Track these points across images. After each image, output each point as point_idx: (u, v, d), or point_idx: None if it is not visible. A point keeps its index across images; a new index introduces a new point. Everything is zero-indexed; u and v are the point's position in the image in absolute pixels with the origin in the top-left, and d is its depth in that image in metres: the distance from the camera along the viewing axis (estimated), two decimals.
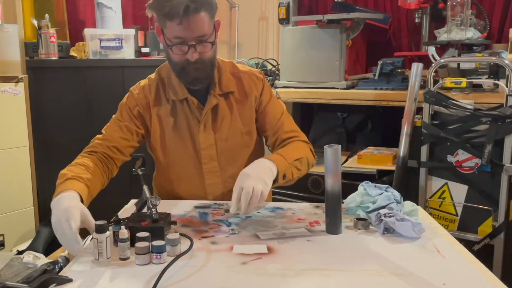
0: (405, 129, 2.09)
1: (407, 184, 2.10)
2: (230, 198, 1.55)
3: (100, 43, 2.82)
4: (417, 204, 1.43)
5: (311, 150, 1.56)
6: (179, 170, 1.58)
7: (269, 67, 3.02)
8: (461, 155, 1.98)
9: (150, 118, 1.56)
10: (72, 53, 2.87)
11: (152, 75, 1.60)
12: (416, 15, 2.67)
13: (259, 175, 1.29)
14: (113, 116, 1.58)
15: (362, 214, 1.39)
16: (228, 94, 1.54)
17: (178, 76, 1.48)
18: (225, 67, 1.56)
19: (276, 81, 2.79)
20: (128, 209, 1.48)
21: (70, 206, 1.14)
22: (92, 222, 1.15)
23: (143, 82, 1.60)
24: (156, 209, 1.23)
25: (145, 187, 1.30)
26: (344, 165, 2.32)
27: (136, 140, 1.55)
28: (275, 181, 1.37)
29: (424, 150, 2.07)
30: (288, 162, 1.41)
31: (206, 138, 1.54)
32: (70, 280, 1.02)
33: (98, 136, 1.54)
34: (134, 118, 1.55)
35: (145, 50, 3.02)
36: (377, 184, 1.46)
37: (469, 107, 1.95)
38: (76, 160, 1.43)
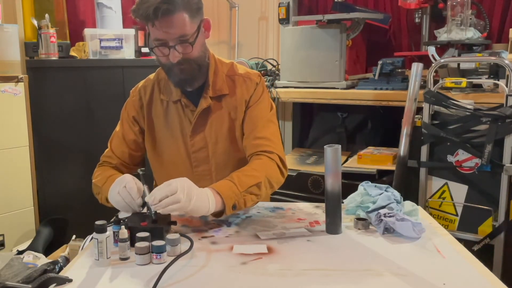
0: (405, 129, 2.09)
1: (407, 184, 2.10)
2: None
3: (100, 43, 2.82)
4: (417, 204, 1.43)
5: (279, 166, 1.47)
6: (171, 172, 1.55)
7: (269, 67, 3.02)
8: (461, 155, 1.98)
9: (144, 119, 1.56)
10: (72, 53, 2.87)
11: (152, 75, 1.60)
12: (416, 15, 2.67)
13: (191, 192, 1.23)
14: (117, 126, 1.62)
15: (362, 214, 1.39)
16: (221, 97, 1.52)
17: (168, 77, 1.49)
18: (222, 69, 1.54)
19: (276, 81, 2.79)
20: None
21: (123, 177, 1.31)
22: (140, 186, 1.29)
23: (141, 83, 1.60)
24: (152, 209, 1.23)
25: (145, 187, 1.30)
26: (344, 165, 2.32)
27: (143, 148, 1.60)
28: (222, 212, 1.31)
29: (424, 150, 2.07)
30: (241, 190, 1.33)
31: (197, 141, 1.52)
32: (70, 280, 1.02)
33: (106, 153, 1.60)
34: (132, 126, 1.58)
35: (145, 50, 3.02)
36: (377, 184, 1.46)
37: (469, 107, 1.95)
38: (98, 171, 1.55)
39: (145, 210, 1.27)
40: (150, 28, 1.35)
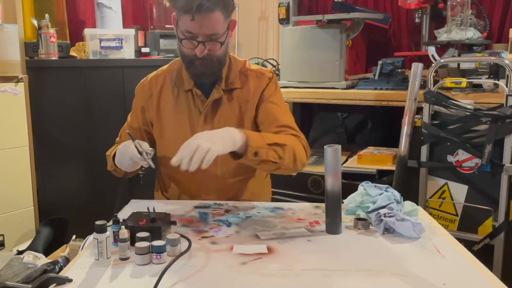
0: (405, 129, 2.09)
1: (407, 184, 2.10)
2: (225, 194, 1.59)
3: (100, 43, 2.82)
4: (417, 204, 1.43)
5: (305, 148, 1.49)
6: None
7: (269, 67, 3.02)
8: (461, 155, 1.98)
9: (152, 109, 1.59)
10: (72, 53, 2.86)
11: (165, 66, 1.64)
12: (416, 15, 2.67)
13: (211, 137, 1.26)
14: (128, 116, 1.67)
15: (362, 214, 1.39)
16: (232, 90, 1.56)
17: (186, 68, 1.51)
18: (236, 65, 1.58)
19: None
20: (128, 209, 1.49)
21: (127, 143, 1.42)
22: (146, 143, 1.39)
23: (153, 73, 1.64)
24: (150, 158, 1.34)
25: (136, 142, 1.36)
26: (344, 165, 2.32)
27: (149, 138, 1.63)
28: (242, 155, 1.32)
29: (424, 150, 2.07)
30: (266, 142, 1.35)
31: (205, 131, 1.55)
32: (70, 280, 1.02)
33: (118, 140, 1.66)
34: (139, 115, 1.62)
35: (145, 50, 3.02)
36: (377, 184, 1.46)
37: (469, 107, 1.95)
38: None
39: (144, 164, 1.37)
40: (183, 20, 1.38)
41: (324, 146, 1.26)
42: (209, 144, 1.22)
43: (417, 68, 2.10)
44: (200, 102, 1.55)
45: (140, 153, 1.35)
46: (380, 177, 2.25)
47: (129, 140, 1.40)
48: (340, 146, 1.26)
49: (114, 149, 1.57)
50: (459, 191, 2.01)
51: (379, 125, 2.81)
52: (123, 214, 1.41)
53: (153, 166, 1.36)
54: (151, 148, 1.39)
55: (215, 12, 1.35)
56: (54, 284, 0.99)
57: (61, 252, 2.49)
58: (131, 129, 1.63)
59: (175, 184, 1.63)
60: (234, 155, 1.33)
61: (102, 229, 1.09)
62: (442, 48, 2.42)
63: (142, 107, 1.61)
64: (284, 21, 2.73)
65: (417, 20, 2.67)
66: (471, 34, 2.31)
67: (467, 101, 1.98)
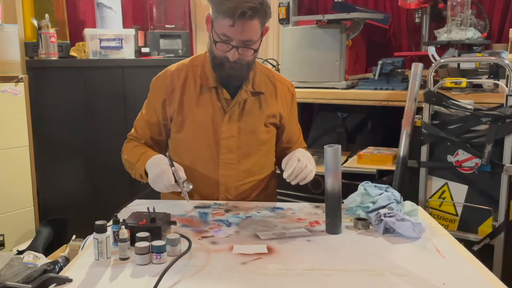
0: (405, 129, 2.09)
1: (407, 184, 2.10)
2: (241, 192, 1.61)
3: (100, 43, 2.82)
4: (417, 204, 1.43)
5: None
6: (195, 157, 1.59)
7: (269, 67, 3.01)
8: (461, 155, 1.98)
9: (174, 103, 1.58)
10: (72, 53, 2.86)
11: (186, 61, 1.63)
12: (416, 15, 2.66)
13: (310, 159, 1.53)
14: (143, 108, 1.65)
15: (362, 214, 1.39)
16: (258, 94, 1.59)
17: (213, 68, 1.52)
18: (260, 69, 1.62)
19: None
20: (129, 209, 1.49)
21: (164, 168, 1.41)
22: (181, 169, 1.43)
23: (173, 67, 1.62)
24: (187, 193, 1.36)
25: (173, 169, 1.39)
26: (344, 165, 2.32)
27: (167, 130, 1.64)
28: None
29: (424, 150, 2.06)
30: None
31: (229, 129, 1.56)
32: (70, 280, 1.02)
33: (132, 133, 1.66)
34: (159, 109, 1.60)
35: (145, 50, 3.02)
36: (377, 184, 1.46)
37: (469, 107, 1.94)
38: (127, 147, 1.63)
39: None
40: (222, 23, 1.38)
41: (324, 146, 1.26)
42: (312, 168, 1.49)
43: (417, 68, 2.09)
44: (224, 101, 1.55)
45: (177, 183, 1.37)
46: (380, 177, 2.25)
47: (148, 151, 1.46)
48: (340, 146, 1.26)
49: (139, 157, 1.54)
50: (459, 191, 2.01)
51: (379, 125, 2.80)
52: (123, 214, 1.41)
53: (188, 201, 1.39)
54: (187, 180, 1.41)
55: (254, 20, 1.37)
56: (54, 284, 0.99)
57: (61, 252, 2.50)
58: (148, 124, 1.62)
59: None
60: None
61: (102, 229, 1.09)
62: (442, 48, 2.42)
63: (164, 100, 1.58)
64: (284, 21, 2.73)
65: (417, 20, 2.67)
66: (471, 34, 2.31)
67: (467, 101, 1.98)
